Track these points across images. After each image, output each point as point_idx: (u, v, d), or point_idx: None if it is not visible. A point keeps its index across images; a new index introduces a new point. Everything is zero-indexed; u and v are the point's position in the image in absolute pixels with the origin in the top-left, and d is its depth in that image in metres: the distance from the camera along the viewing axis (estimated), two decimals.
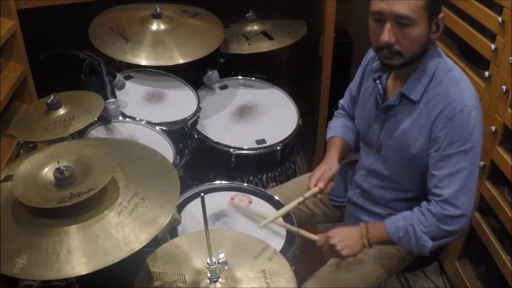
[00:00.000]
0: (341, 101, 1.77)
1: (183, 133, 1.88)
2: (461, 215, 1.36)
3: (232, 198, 1.63)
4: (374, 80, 1.48)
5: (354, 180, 1.65)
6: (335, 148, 1.65)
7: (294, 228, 1.52)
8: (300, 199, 1.51)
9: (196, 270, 1.21)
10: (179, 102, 1.96)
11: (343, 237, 1.44)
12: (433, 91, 1.35)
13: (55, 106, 1.47)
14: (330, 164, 1.58)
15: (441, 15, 1.31)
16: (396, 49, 1.30)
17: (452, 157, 1.33)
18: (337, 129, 1.71)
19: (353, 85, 1.68)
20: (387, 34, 1.28)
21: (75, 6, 1.94)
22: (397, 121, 1.43)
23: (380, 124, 1.49)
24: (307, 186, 1.56)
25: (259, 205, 1.62)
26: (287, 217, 1.56)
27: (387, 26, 1.28)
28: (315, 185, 1.54)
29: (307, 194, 1.52)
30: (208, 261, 1.14)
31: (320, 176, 1.55)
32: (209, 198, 1.61)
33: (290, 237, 1.51)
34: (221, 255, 1.15)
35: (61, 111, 1.48)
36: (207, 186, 1.69)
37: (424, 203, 1.41)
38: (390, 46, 1.30)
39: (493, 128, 1.65)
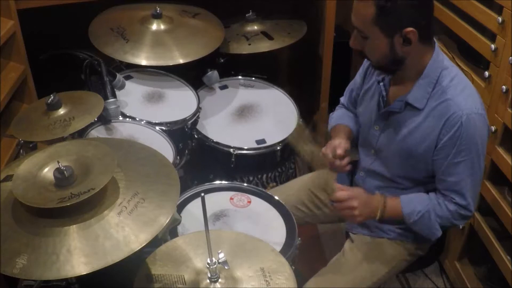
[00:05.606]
0: (341, 99, 1.76)
1: (183, 133, 1.88)
2: (471, 215, 1.43)
3: (231, 198, 1.64)
4: (378, 82, 1.48)
5: (354, 181, 1.65)
6: (342, 131, 1.61)
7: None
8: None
9: (196, 270, 1.21)
10: (179, 102, 1.96)
11: (364, 203, 1.43)
12: (438, 99, 1.35)
13: (55, 106, 1.47)
14: (338, 141, 1.54)
15: (408, 29, 1.25)
16: (365, 54, 1.38)
17: (460, 164, 1.35)
18: (340, 118, 1.70)
19: (353, 85, 1.67)
20: (351, 40, 1.37)
21: (75, 6, 1.94)
22: (399, 126, 1.43)
23: (381, 127, 1.48)
24: (322, 164, 1.52)
25: (259, 205, 1.63)
26: (286, 216, 1.56)
27: (353, 33, 1.36)
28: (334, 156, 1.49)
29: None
30: (208, 261, 1.14)
31: (334, 148, 1.50)
32: (209, 198, 1.61)
33: (290, 237, 1.50)
34: (221, 255, 1.15)
35: (61, 111, 1.48)
36: (207, 186, 1.69)
37: (440, 197, 1.42)
38: (359, 52, 1.38)
39: (493, 128, 1.65)
